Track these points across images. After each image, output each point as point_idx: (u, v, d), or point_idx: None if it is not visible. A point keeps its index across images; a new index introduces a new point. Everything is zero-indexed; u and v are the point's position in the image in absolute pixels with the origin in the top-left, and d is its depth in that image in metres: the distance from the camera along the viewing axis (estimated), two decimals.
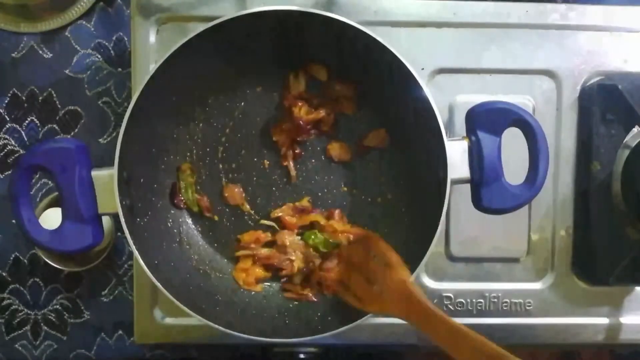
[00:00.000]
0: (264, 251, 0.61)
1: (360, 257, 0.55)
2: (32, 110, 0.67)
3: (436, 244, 0.51)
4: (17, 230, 0.52)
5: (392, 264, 0.52)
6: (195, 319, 0.51)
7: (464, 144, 0.52)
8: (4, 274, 0.67)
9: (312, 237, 0.60)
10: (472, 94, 0.62)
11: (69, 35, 0.67)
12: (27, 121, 0.67)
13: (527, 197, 0.51)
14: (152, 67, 0.51)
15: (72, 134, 0.67)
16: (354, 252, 0.57)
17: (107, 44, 0.67)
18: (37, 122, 0.67)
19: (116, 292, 0.68)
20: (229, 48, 0.56)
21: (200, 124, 0.61)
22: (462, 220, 0.63)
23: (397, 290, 0.51)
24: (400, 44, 0.51)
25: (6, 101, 0.67)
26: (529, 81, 0.64)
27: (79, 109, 0.67)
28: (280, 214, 0.61)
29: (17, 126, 0.67)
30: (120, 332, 0.68)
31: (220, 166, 0.62)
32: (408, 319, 0.50)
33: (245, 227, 0.62)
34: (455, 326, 0.47)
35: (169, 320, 0.62)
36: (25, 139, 0.67)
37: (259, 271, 0.61)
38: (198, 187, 0.62)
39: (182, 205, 0.61)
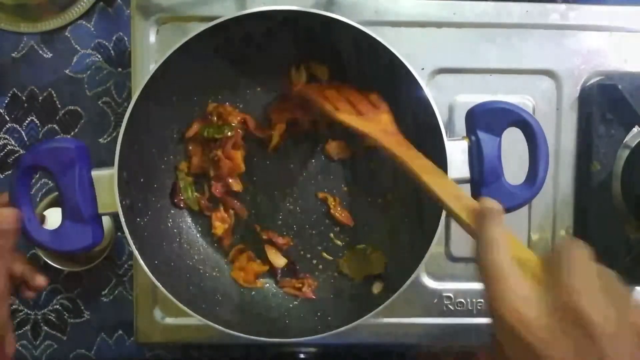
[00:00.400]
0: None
1: (350, 89, 0.57)
2: (32, 110, 0.67)
3: (436, 244, 0.51)
4: None
5: (386, 110, 0.55)
6: (195, 319, 0.51)
7: (464, 143, 0.52)
8: None
9: (207, 130, 0.60)
10: (472, 94, 0.62)
11: (69, 35, 0.67)
12: (27, 121, 0.67)
13: (527, 197, 0.51)
14: (152, 67, 0.51)
15: (72, 134, 0.67)
16: (346, 86, 0.58)
17: (107, 44, 0.67)
18: (37, 122, 0.67)
19: (116, 292, 0.68)
20: (229, 48, 0.56)
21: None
22: None
23: (384, 124, 0.53)
24: (400, 44, 0.51)
25: (6, 101, 0.67)
26: (529, 81, 0.64)
27: (79, 109, 0.67)
28: None
29: (17, 126, 0.67)
30: (120, 332, 0.68)
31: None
32: (387, 144, 0.51)
33: (245, 227, 0.62)
34: (431, 164, 0.48)
35: (169, 320, 0.62)
36: (25, 139, 0.67)
37: (255, 266, 0.61)
38: (198, 187, 0.62)
39: (182, 205, 0.61)
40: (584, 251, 0.35)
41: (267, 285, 0.62)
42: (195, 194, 0.61)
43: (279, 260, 0.62)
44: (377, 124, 0.53)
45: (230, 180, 0.60)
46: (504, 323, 0.32)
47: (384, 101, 0.55)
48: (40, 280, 0.48)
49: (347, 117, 0.54)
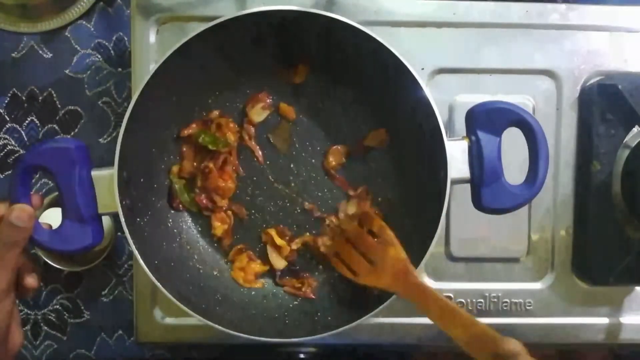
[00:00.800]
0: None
1: (356, 232, 0.58)
2: (32, 110, 0.67)
3: (436, 244, 0.51)
4: None
5: (391, 242, 0.55)
6: (195, 319, 0.51)
7: (464, 143, 0.52)
8: None
9: (202, 136, 0.60)
10: (472, 94, 0.62)
11: (69, 35, 0.67)
12: (27, 121, 0.67)
13: (527, 197, 0.51)
14: (152, 67, 0.51)
15: (72, 134, 0.67)
16: (350, 226, 0.59)
17: (107, 44, 0.67)
18: (37, 122, 0.67)
19: (116, 292, 0.68)
20: (229, 48, 0.56)
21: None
22: (462, 220, 0.63)
23: (394, 267, 0.54)
24: (400, 44, 0.51)
25: (6, 101, 0.67)
26: (529, 81, 0.64)
27: (79, 109, 0.67)
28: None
29: (17, 126, 0.67)
30: (120, 332, 0.68)
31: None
32: (404, 295, 0.53)
33: (245, 226, 0.62)
34: (447, 305, 0.51)
35: (169, 320, 0.62)
36: (25, 139, 0.67)
37: (255, 266, 0.61)
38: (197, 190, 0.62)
39: (180, 208, 0.61)
40: None
41: (267, 285, 0.62)
42: (192, 194, 0.61)
43: (279, 262, 0.62)
44: (388, 269, 0.54)
45: (215, 196, 0.60)
46: None
47: (389, 232, 0.56)
48: (30, 281, 0.48)
49: (365, 280, 0.56)
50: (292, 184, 0.62)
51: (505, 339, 0.47)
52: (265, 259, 0.62)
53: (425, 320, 0.62)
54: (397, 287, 0.53)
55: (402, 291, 0.53)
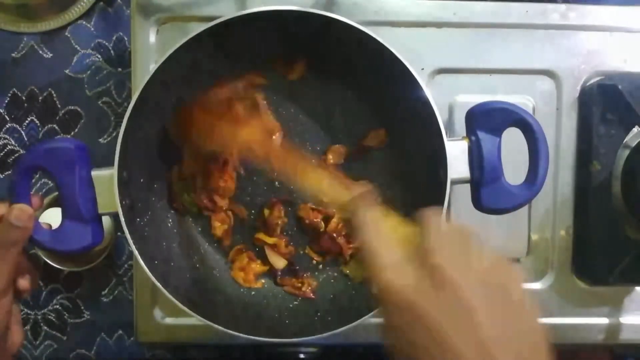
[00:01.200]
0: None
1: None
2: (32, 110, 0.67)
3: None
4: None
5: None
6: (195, 319, 0.51)
7: (464, 144, 0.52)
8: None
9: None
10: (472, 94, 0.62)
11: (69, 35, 0.67)
12: (27, 121, 0.67)
13: (526, 197, 0.51)
14: (152, 67, 0.51)
15: (72, 134, 0.67)
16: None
17: (107, 44, 0.67)
18: (37, 122, 0.67)
19: (116, 292, 0.68)
20: (229, 48, 0.56)
21: None
22: (462, 220, 0.63)
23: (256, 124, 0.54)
24: (400, 44, 0.51)
25: (6, 101, 0.67)
26: (529, 81, 0.64)
27: (79, 109, 0.67)
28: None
29: (17, 126, 0.67)
30: (120, 332, 0.68)
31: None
32: (260, 150, 0.53)
33: (245, 226, 0.62)
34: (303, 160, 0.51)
35: (169, 320, 0.62)
36: (25, 139, 0.67)
37: (255, 266, 0.61)
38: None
39: (181, 209, 0.61)
40: (437, 217, 0.39)
41: (267, 285, 0.62)
42: (192, 194, 0.61)
43: (279, 262, 0.62)
44: (249, 124, 0.54)
45: (215, 197, 0.60)
46: (383, 295, 0.36)
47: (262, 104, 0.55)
48: (22, 283, 0.48)
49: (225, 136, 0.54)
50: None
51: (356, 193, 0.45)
52: (265, 260, 0.62)
53: None
54: (261, 145, 0.53)
55: (261, 146, 0.53)
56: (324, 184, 0.48)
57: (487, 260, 0.36)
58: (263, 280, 0.62)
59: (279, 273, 0.62)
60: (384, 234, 0.40)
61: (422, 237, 0.37)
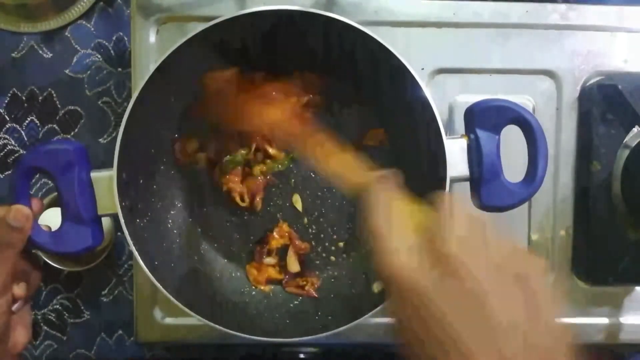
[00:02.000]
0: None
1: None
2: (32, 110, 0.67)
3: None
4: None
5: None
6: (195, 319, 0.51)
7: (463, 142, 0.52)
8: None
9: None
10: (472, 94, 0.62)
11: (69, 35, 0.67)
12: (27, 121, 0.67)
13: (526, 194, 0.51)
14: (152, 67, 0.51)
15: (72, 134, 0.67)
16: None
17: (107, 44, 0.67)
18: (37, 122, 0.67)
19: (116, 292, 0.68)
20: (229, 48, 0.56)
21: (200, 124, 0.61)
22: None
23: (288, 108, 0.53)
24: (400, 44, 0.51)
25: (6, 101, 0.67)
26: (529, 81, 0.64)
27: (79, 109, 0.67)
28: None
29: (17, 126, 0.67)
30: (120, 332, 0.68)
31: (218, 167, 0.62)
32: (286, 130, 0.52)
33: (245, 227, 0.62)
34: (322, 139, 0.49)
35: (169, 320, 0.62)
36: (25, 139, 0.67)
37: (271, 271, 0.61)
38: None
39: (185, 161, 0.61)
40: (454, 203, 0.37)
41: (273, 289, 0.62)
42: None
43: (295, 266, 0.62)
44: (283, 109, 0.53)
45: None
46: (391, 280, 0.34)
47: (291, 85, 0.54)
48: (17, 291, 0.48)
49: (253, 115, 0.54)
50: (291, 182, 0.62)
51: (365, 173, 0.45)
52: (283, 266, 0.62)
53: None
54: (284, 123, 0.52)
55: (288, 125, 0.51)
56: (347, 166, 0.46)
57: (505, 250, 0.34)
58: (272, 287, 0.62)
59: (286, 277, 0.62)
60: (396, 217, 0.38)
61: (436, 222, 0.36)
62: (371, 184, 0.41)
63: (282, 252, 0.62)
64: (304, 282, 0.61)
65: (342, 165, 0.47)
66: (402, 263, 0.34)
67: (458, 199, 0.38)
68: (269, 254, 0.62)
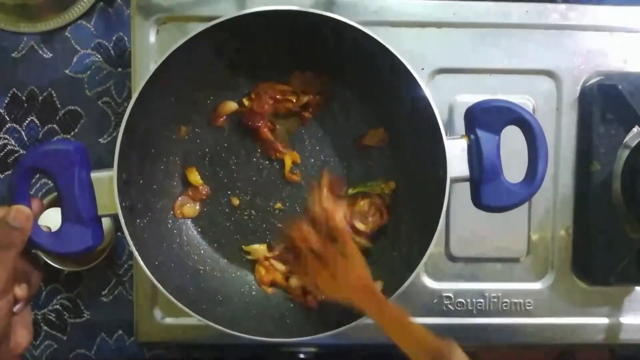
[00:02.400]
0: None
1: (318, 241, 0.53)
2: (32, 110, 0.67)
3: (436, 244, 0.51)
4: None
5: (352, 255, 0.52)
6: (195, 319, 0.51)
7: (463, 142, 0.52)
8: None
9: None
10: (472, 94, 0.62)
11: (69, 35, 0.67)
12: (27, 121, 0.67)
13: (526, 194, 0.51)
14: (152, 67, 0.51)
15: (72, 134, 0.67)
16: (311, 236, 0.54)
17: (107, 44, 0.67)
18: (37, 122, 0.67)
19: (116, 292, 0.68)
20: (228, 48, 0.56)
21: (200, 124, 0.61)
22: (462, 220, 0.63)
23: (356, 283, 0.51)
24: (400, 44, 0.51)
25: (6, 101, 0.67)
26: (529, 81, 0.64)
27: (79, 109, 0.67)
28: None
29: (17, 126, 0.67)
30: (120, 332, 0.68)
31: (219, 167, 0.62)
32: (361, 306, 0.51)
33: (245, 227, 0.62)
34: (405, 320, 0.49)
35: (169, 320, 0.62)
36: (25, 139, 0.67)
37: (278, 276, 0.61)
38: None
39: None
40: None
41: (275, 292, 0.62)
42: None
43: (296, 283, 0.61)
44: (350, 283, 0.52)
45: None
46: None
47: (353, 247, 0.53)
48: (18, 292, 0.48)
49: (327, 292, 0.53)
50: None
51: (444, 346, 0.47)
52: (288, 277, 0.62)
53: (425, 320, 0.63)
54: (357, 299, 0.51)
55: (361, 303, 0.51)
56: (419, 335, 0.48)
57: None
58: (275, 290, 0.62)
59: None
60: None
61: None
62: (451, 351, 0.45)
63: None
64: (308, 292, 0.61)
65: (414, 334, 0.48)
66: None
67: None
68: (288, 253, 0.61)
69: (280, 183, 0.62)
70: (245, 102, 0.61)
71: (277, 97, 0.60)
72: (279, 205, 0.62)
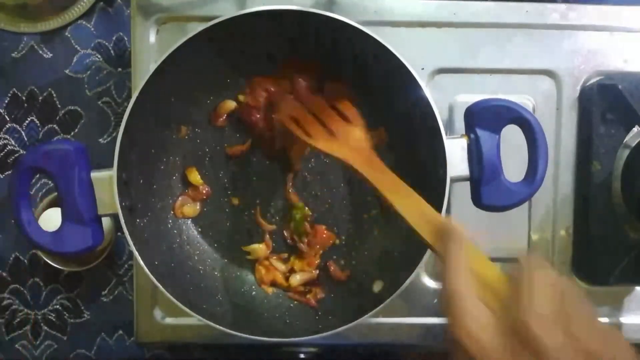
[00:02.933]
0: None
1: (320, 105, 0.56)
2: (32, 110, 0.67)
3: None
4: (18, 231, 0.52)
5: (355, 121, 0.54)
6: (195, 319, 0.51)
7: (463, 142, 0.52)
8: (4, 274, 0.67)
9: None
10: (472, 94, 0.62)
11: (69, 35, 0.67)
12: (27, 121, 0.67)
13: (526, 194, 0.51)
14: (152, 67, 0.51)
15: (72, 134, 0.67)
16: (316, 100, 0.56)
17: (107, 44, 0.67)
18: (37, 122, 0.67)
19: (116, 292, 0.68)
20: (229, 48, 0.56)
21: (200, 124, 0.61)
22: (462, 220, 0.62)
23: (355, 144, 0.52)
24: (400, 44, 0.51)
25: (6, 101, 0.67)
26: (529, 81, 0.64)
27: (79, 109, 0.67)
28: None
29: (17, 126, 0.67)
30: (120, 332, 0.68)
31: (219, 167, 0.62)
32: (355, 166, 0.51)
33: (245, 227, 0.62)
34: (403, 187, 0.48)
35: (169, 320, 0.62)
36: (25, 139, 0.67)
37: (278, 276, 0.61)
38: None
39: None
40: (545, 272, 0.35)
41: (275, 292, 0.62)
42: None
43: (296, 282, 0.61)
44: (348, 143, 0.52)
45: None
46: (460, 346, 0.33)
47: (355, 111, 0.54)
48: None
49: (319, 143, 0.53)
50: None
51: (446, 221, 0.45)
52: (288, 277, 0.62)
53: (425, 320, 0.63)
54: (354, 159, 0.51)
55: (358, 163, 0.50)
56: (423, 208, 0.46)
57: (594, 330, 0.32)
58: (274, 289, 0.62)
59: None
60: (470, 275, 0.37)
61: (519, 292, 0.34)
62: (449, 241, 0.40)
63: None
64: (307, 291, 0.61)
65: (417, 207, 0.46)
66: (473, 326, 0.33)
67: (538, 263, 0.36)
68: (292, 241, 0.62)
69: (280, 183, 0.62)
70: (241, 97, 0.61)
71: (271, 89, 0.60)
72: (279, 205, 0.62)
